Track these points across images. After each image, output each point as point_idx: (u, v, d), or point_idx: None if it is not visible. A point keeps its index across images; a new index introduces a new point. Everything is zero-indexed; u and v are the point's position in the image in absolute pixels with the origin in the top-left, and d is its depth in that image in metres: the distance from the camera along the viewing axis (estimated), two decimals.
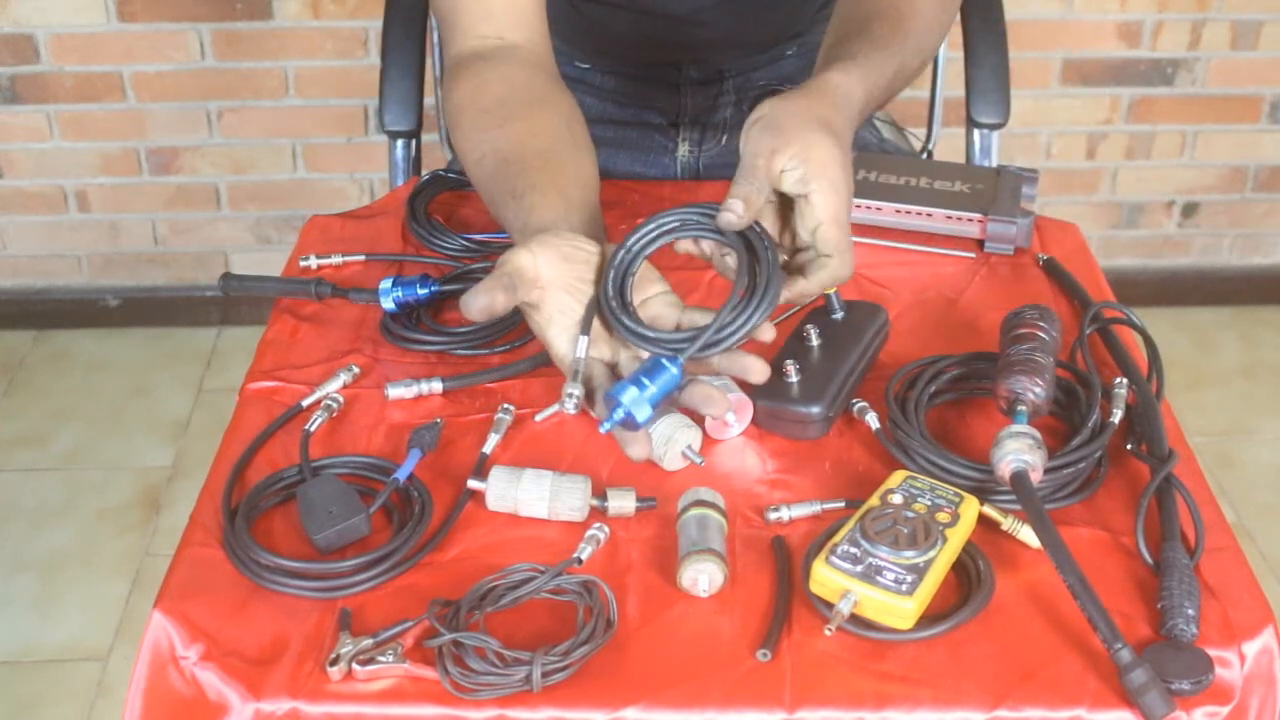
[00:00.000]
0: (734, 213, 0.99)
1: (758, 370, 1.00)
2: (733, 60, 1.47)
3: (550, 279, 0.99)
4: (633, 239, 1.01)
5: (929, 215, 1.29)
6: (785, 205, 1.05)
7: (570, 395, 0.96)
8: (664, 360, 0.96)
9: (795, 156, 1.01)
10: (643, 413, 0.95)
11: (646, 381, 0.95)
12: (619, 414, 0.94)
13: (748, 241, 1.00)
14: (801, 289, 1.04)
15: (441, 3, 1.22)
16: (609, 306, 0.99)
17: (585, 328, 0.98)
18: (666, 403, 0.97)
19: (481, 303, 0.96)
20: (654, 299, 1.02)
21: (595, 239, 1.04)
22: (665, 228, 1.02)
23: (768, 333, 1.01)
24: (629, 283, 1.01)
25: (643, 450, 0.99)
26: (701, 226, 1.03)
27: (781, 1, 1.43)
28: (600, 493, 0.97)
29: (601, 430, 0.96)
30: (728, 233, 1.00)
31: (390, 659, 0.85)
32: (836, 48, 1.13)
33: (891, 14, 1.16)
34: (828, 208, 1.01)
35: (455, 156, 1.61)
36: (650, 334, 0.98)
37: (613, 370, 1.02)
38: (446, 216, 1.32)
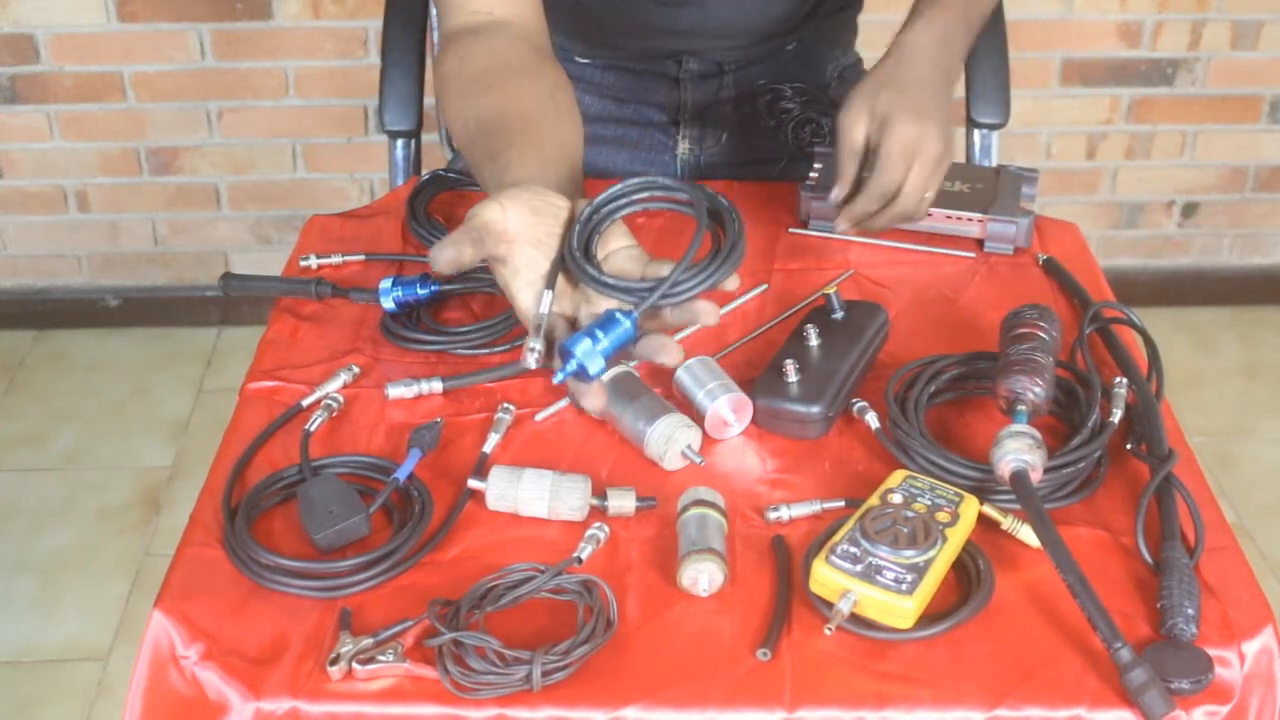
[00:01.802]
0: (835, 195, 1.21)
1: (707, 313, 0.98)
2: (731, 53, 1.47)
3: (518, 232, 0.98)
4: (601, 199, 1.01)
5: (929, 215, 1.29)
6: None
7: (532, 350, 0.95)
8: (618, 314, 0.96)
9: (869, 121, 1.19)
10: (595, 365, 0.95)
11: (600, 334, 0.95)
12: (571, 365, 0.95)
13: (713, 211, 1.00)
14: (857, 210, 1.21)
15: None
16: (572, 256, 0.98)
17: (550, 283, 0.98)
18: (620, 355, 0.97)
19: (449, 255, 0.95)
20: (618, 252, 1.01)
21: (570, 196, 1.04)
22: (634, 195, 1.02)
23: (732, 282, 0.99)
24: (595, 239, 1.00)
25: (596, 402, 0.97)
26: (669, 196, 1.03)
27: None
28: (600, 492, 0.97)
29: (555, 380, 0.96)
30: (693, 202, 1.01)
31: (390, 658, 0.85)
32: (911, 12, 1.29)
33: None
34: (890, 141, 1.18)
35: (453, 154, 1.62)
36: (610, 281, 0.97)
37: (573, 326, 1.01)
38: (446, 216, 1.32)
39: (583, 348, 0.94)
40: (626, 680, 0.85)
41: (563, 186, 1.05)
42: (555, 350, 0.97)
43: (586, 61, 1.50)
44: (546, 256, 0.99)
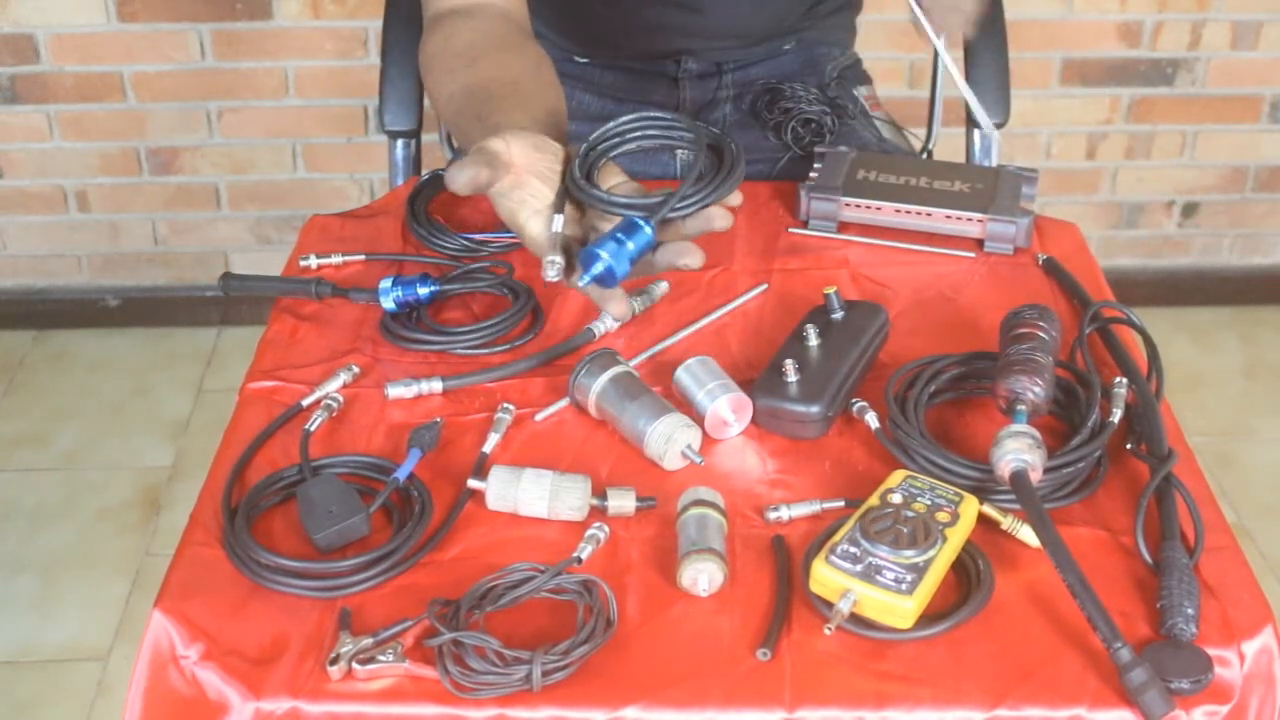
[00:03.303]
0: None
1: (720, 217, 1.01)
2: (730, 53, 1.47)
3: (523, 164, 1.01)
4: (596, 136, 1.05)
5: (929, 215, 1.29)
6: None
7: (552, 262, 0.97)
8: (638, 220, 0.98)
9: None
10: (621, 267, 0.97)
11: (623, 238, 0.97)
12: (598, 267, 0.96)
13: (711, 142, 1.04)
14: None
15: None
16: (577, 185, 1.01)
17: (559, 207, 1.00)
18: (642, 265, 0.99)
19: (468, 175, 0.97)
20: (616, 187, 1.04)
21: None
22: (628, 130, 1.06)
23: (736, 198, 1.03)
24: (594, 174, 1.03)
25: (622, 308, 1.01)
26: (666, 131, 1.06)
27: None
28: (600, 492, 0.97)
29: (580, 284, 0.98)
30: (694, 135, 1.03)
31: (390, 658, 0.85)
32: None
33: None
34: None
35: (453, 154, 1.62)
36: (620, 199, 1.00)
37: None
38: (446, 216, 1.32)
39: (609, 249, 0.96)
40: (626, 680, 0.85)
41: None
42: (577, 259, 0.99)
43: (585, 61, 1.50)
44: (550, 188, 1.02)
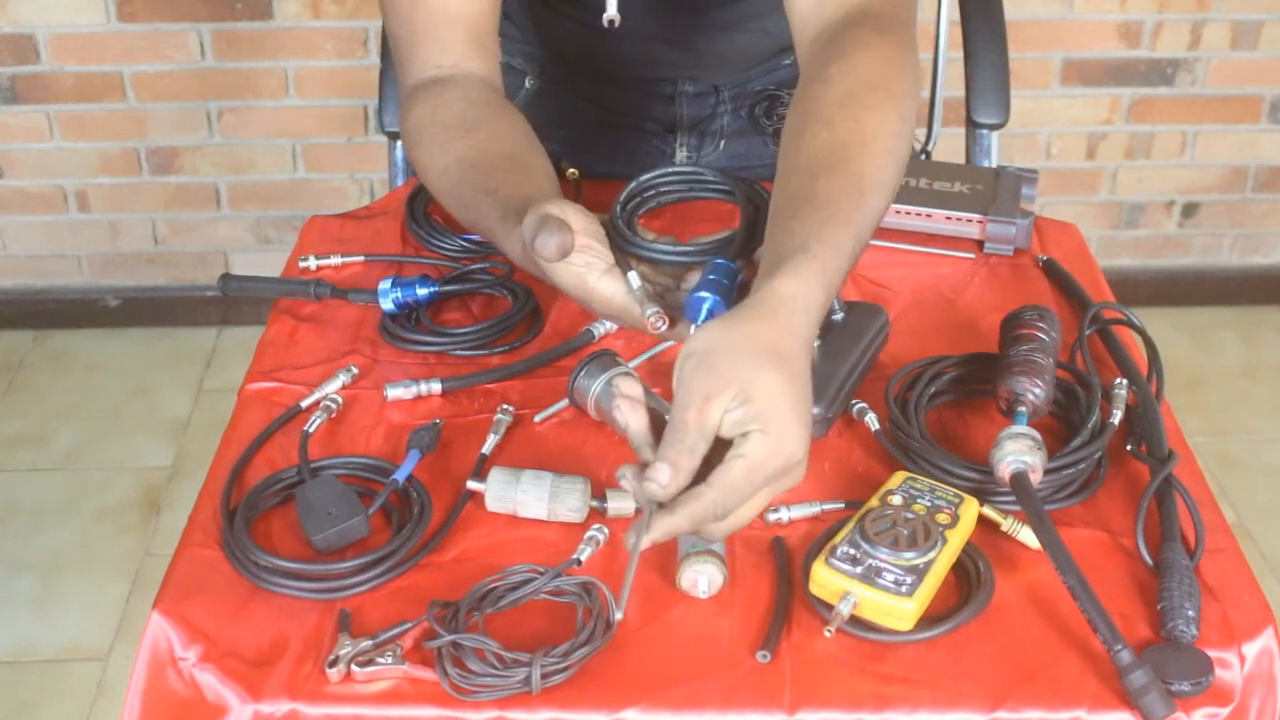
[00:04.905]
0: (658, 483, 0.83)
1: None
2: (727, 76, 1.48)
3: (581, 229, 1.00)
4: (624, 196, 1.05)
5: (929, 216, 1.29)
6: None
7: (654, 312, 0.98)
8: (720, 261, 0.99)
9: (735, 398, 0.84)
10: (730, 305, 0.98)
11: (716, 279, 0.98)
12: (708, 305, 0.97)
13: (739, 190, 1.06)
14: (666, 526, 0.84)
15: (399, 34, 1.23)
16: (636, 245, 1.02)
17: (625, 266, 1.01)
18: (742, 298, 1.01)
19: (557, 241, 0.96)
20: (654, 241, 1.04)
21: None
22: (650, 187, 1.07)
23: None
24: (635, 231, 1.04)
25: None
26: (690, 183, 1.07)
27: (771, 28, 1.42)
28: (599, 494, 0.97)
29: (697, 326, 0.97)
30: (730, 185, 1.04)
31: (389, 660, 0.85)
32: (782, 234, 0.95)
33: (840, 164, 0.98)
34: (755, 455, 0.84)
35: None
36: (692, 248, 1.01)
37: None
38: (446, 217, 1.32)
39: (710, 290, 0.97)
40: (626, 682, 0.85)
41: None
42: (683, 306, 0.99)
43: (580, 76, 1.50)
44: (606, 248, 1.01)
